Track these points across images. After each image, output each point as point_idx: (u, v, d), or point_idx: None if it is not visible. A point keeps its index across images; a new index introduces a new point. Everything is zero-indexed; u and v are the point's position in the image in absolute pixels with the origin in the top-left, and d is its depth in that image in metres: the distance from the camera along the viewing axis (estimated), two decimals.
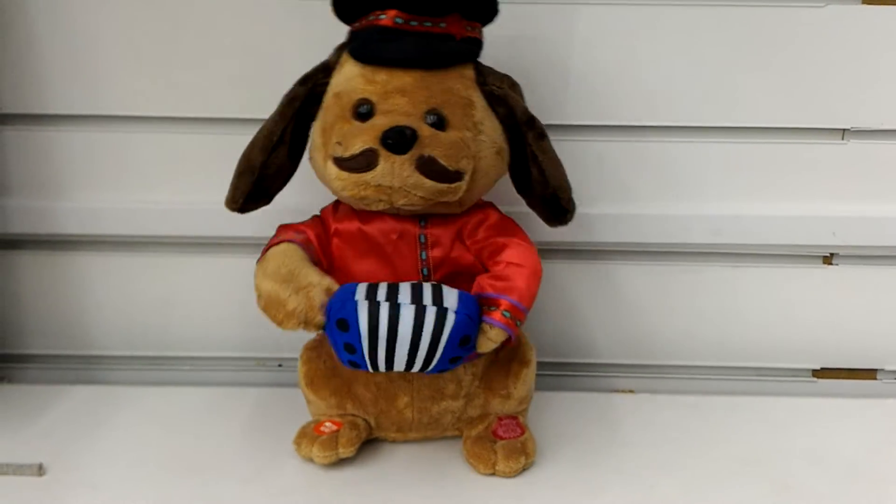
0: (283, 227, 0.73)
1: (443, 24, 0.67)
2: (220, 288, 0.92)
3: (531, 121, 0.71)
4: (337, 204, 0.74)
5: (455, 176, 0.65)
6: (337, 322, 0.63)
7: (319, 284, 0.66)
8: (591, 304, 0.93)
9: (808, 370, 0.95)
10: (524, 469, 0.73)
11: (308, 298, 0.65)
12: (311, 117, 0.71)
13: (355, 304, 0.63)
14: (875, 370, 0.95)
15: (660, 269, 0.91)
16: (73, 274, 0.92)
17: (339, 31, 0.81)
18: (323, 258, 0.72)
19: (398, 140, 0.63)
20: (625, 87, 0.85)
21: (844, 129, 0.86)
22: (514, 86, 0.72)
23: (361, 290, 0.64)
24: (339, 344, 0.64)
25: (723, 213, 0.88)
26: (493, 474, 0.73)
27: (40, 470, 0.73)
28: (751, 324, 0.93)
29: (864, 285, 0.91)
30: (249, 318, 0.92)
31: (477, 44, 0.70)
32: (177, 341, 0.94)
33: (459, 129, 0.67)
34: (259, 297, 0.68)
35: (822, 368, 0.95)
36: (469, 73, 0.70)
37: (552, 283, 0.91)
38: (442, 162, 0.64)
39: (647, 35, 0.83)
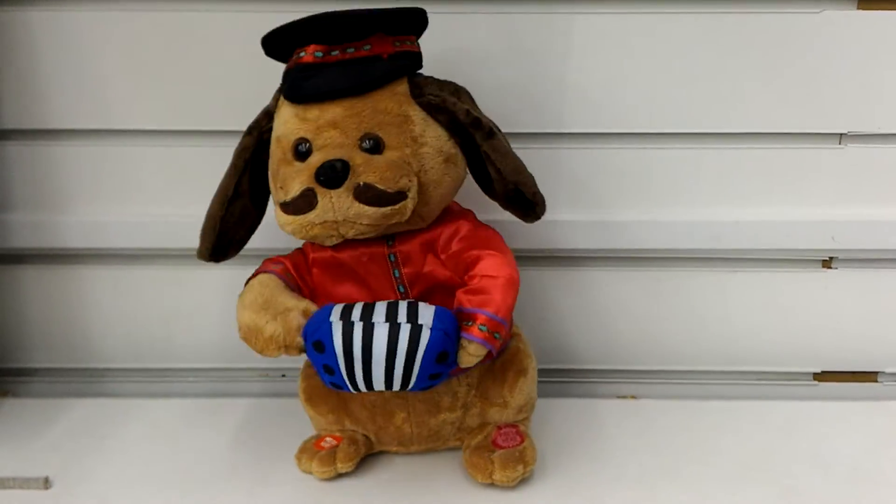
0: (265, 261, 0.73)
1: (367, 47, 0.66)
2: (224, 299, 0.92)
3: (476, 122, 0.68)
4: None
5: (396, 197, 0.64)
6: (313, 344, 0.63)
7: (296, 308, 0.66)
8: (592, 311, 0.93)
9: (808, 373, 0.96)
10: (523, 477, 0.73)
11: (286, 322, 0.65)
12: (266, 164, 0.71)
13: (329, 325, 0.62)
14: (876, 373, 0.95)
15: (661, 274, 0.92)
16: (77, 287, 0.92)
17: None
18: (303, 286, 0.72)
19: (329, 175, 0.63)
20: (623, 94, 0.85)
21: (842, 134, 0.86)
22: (457, 91, 0.71)
23: (336, 311, 0.64)
24: (318, 366, 0.64)
25: (722, 219, 0.88)
26: (491, 484, 0.73)
27: (46, 483, 0.74)
28: (751, 328, 0.93)
29: (863, 288, 0.91)
30: None
31: (409, 57, 0.69)
32: (181, 353, 0.95)
33: (398, 149, 0.66)
34: (239, 328, 0.67)
35: (823, 372, 0.95)
36: (402, 88, 0.68)
37: (554, 290, 0.92)
38: (379, 186, 0.63)
39: (643, 43, 0.83)
